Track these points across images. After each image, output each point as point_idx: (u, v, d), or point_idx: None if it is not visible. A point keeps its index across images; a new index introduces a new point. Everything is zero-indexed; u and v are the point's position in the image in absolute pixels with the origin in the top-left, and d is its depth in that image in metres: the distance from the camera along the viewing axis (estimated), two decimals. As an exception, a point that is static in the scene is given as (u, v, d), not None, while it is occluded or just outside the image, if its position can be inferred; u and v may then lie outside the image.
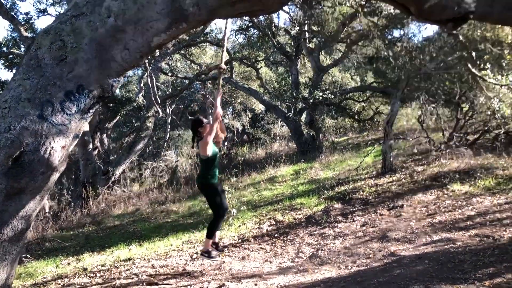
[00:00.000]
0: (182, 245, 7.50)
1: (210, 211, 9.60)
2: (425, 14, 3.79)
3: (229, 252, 6.74)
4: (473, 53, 8.09)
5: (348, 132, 26.09)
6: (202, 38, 19.01)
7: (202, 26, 14.63)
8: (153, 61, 15.16)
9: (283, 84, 21.00)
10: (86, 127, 13.43)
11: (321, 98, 16.13)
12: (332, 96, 16.82)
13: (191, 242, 7.57)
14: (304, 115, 20.04)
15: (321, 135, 17.95)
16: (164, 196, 12.87)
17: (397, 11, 12.78)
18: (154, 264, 6.54)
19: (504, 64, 9.34)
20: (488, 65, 8.75)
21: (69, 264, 7.27)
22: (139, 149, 14.92)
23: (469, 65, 7.96)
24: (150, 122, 14.92)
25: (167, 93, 22.79)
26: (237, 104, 27.31)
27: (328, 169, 13.10)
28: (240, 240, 7.22)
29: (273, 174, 14.44)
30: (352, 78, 22.86)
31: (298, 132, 17.52)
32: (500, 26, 7.82)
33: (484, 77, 8.29)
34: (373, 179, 9.66)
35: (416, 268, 4.56)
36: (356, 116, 22.89)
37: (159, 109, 11.71)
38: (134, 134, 16.70)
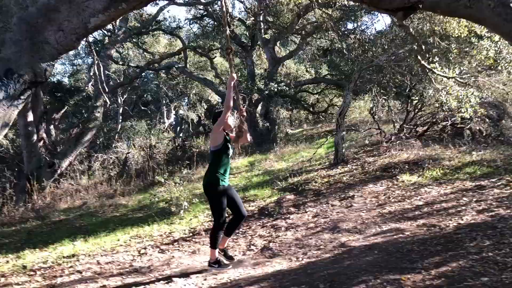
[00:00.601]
0: (130, 240, 7.22)
1: (161, 204, 9.42)
2: (375, 2, 3.73)
3: (179, 246, 6.54)
4: (423, 46, 8.24)
5: (303, 124, 26.30)
6: (154, 26, 18.48)
7: (144, 7, 14.11)
8: (102, 48, 14.55)
9: (239, 75, 20.84)
10: (29, 117, 12.80)
11: (276, 89, 16.11)
12: (287, 88, 16.83)
13: (140, 236, 7.30)
14: (259, 107, 20.00)
15: (276, 126, 17.97)
16: (114, 189, 12.43)
17: (351, 2, 12.92)
18: (100, 261, 6.23)
19: (451, 58, 9.61)
20: (436, 58, 8.97)
21: (7, 262, 6.82)
22: (87, 140, 14.34)
23: (419, 58, 8.10)
24: (99, 112, 14.37)
25: (119, 82, 21.95)
26: (192, 95, 26.89)
27: (283, 160, 13.10)
28: (191, 234, 7.03)
29: (227, 165, 14.27)
30: (307, 70, 23.01)
31: (254, 124, 17.44)
32: (447, 20, 7.98)
33: (433, 69, 8.47)
34: (326, 170, 9.72)
35: (366, 259, 4.55)
36: (310, 108, 23.14)
37: (107, 99, 11.25)
38: (82, 125, 16.05)
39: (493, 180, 6.89)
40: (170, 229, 7.48)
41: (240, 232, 6.70)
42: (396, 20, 4.74)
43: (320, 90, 22.38)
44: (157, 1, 17.55)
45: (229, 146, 4.83)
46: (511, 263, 3.82)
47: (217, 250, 5.01)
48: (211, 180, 4.86)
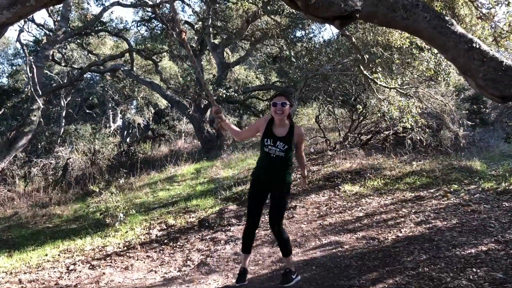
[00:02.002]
0: (59, 255, 6.71)
1: (96, 215, 8.91)
2: (312, 10, 3.59)
3: (111, 262, 6.12)
4: (366, 56, 8.29)
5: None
6: (99, 27, 17.74)
7: (55, 5, 13.58)
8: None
9: (188, 79, 20.44)
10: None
11: (225, 95, 15.85)
12: (236, 94, 16.63)
13: (70, 251, 6.81)
14: (208, 113, 19.66)
15: (224, 133, 17.71)
16: (49, 198, 11.70)
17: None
18: (22, 279, 5.72)
19: (393, 68, 9.77)
20: (379, 69, 9.07)
21: None
22: (22, 145, 13.39)
23: (362, 68, 8.13)
24: (35, 115, 13.48)
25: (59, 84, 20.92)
26: (140, 99, 26.15)
27: (229, 167, 12.86)
28: (125, 248, 6.61)
29: (173, 173, 13.88)
30: (256, 77, 22.93)
31: (201, 130, 17.10)
32: (390, 30, 8.07)
33: (375, 80, 8.54)
34: (271, 179, 9.56)
35: (303, 275, 4.39)
36: (260, 114, 23.03)
37: (40, 102, 10.54)
38: (16, 129, 15.03)
39: (432, 190, 6.98)
40: (104, 242, 7.03)
41: (178, 246, 6.39)
42: (340, 30, 4.65)
43: (269, 96, 22.35)
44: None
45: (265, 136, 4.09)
46: (445, 279, 3.78)
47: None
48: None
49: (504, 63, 3.78)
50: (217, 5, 16.76)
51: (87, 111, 31.11)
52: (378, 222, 5.79)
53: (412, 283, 3.79)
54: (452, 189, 6.88)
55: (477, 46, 3.79)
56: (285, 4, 13.19)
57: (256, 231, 6.28)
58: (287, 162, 4.01)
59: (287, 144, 3.94)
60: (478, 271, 3.85)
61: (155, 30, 20.44)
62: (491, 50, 3.90)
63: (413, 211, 6.07)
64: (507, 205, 5.85)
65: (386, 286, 3.84)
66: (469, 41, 3.81)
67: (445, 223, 5.42)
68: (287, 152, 3.95)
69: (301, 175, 4.69)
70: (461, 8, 7.18)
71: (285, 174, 4.02)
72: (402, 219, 5.76)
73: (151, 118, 29.15)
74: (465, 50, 3.80)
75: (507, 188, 6.58)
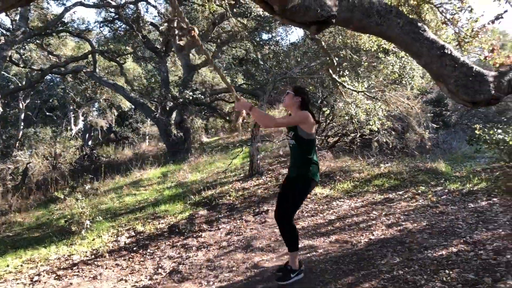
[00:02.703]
0: (21, 265, 6.39)
1: (61, 222, 8.58)
2: (289, 14, 3.56)
3: (78, 271, 5.89)
4: (334, 60, 8.37)
5: (219, 132, 26.09)
6: (60, 27, 17.17)
7: (24, 6, 13.06)
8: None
9: (153, 81, 20.10)
10: None
11: (191, 97, 15.68)
12: (203, 96, 16.48)
13: (34, 261, 6.50)
14: (174, 115, 19.41)
15: (191, 135, 17.52)
16: (9, 205, 11.19)
17: (266, 13, 12.95)
18: (-18, 293, 5.43)
19: (360, 72, 9.93)
20: (347, 72, 9.19)
21: None
22: (-22, 150, 12.80)
23: (330, 71, 8.20)
24: (-8, 119, 12.92)
25: (17, 86, 20.15)
26: (102, 101, 25.53)
27: (197, 171, 12.70)
28: (93, 257, 6.38)
29: (139, 177, 13.59)
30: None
31: (167, 132, 16.84)
32: (358, 34, 8.18)
33: (343, 83, 8.63)
34: (241, 182, 9.50)
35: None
36: (227, 116, 22.96)
37: (-1, 105, 10.06)
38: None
39: (400, 192, 7.11)
40: (70, 251, 6.76)
41: (148, 253, 6.22)
42: (309, 33, 4.64)
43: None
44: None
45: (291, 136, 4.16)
46: (419, 281, 3.83)
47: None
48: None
49: (474, 69, 3.88)
50: (183, 7, 16.56)
51: (47, 113, 30.11)
52: (350, 225, 5.83)
53: (388, 287, 3.82)
54: (419, 191, 7.04)
55: (449, 52, 3.87)
56: (252, 7, 13.23)
57: (228, 236, 6.23)
58: (299, 152, 4.08)
59: (294, 131, 4.04)
60: (451, 272, 3.92)
61: (119, 31, 20.00)
62: (462, 56, 4.00)
63: (383, 213, 6.15)
64: (472, 206, 6.02)
65: (363, 290, 3.85)
66: (441, 47, 3.88)
67: (415, 225, 5.51)
68: (296, 140, 4.05)
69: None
70: (426, 13, 7.37)
71: (299, 166, 4.09)
72: (374, 222, 5.83)
73: (114, 121, 28.54)
74: (437, 56, 3.88)
75: (471, 189, 6.79)
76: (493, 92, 3.81)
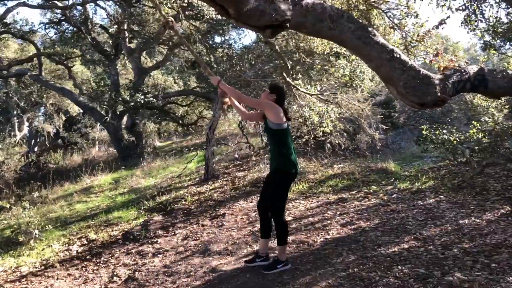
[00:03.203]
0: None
1: (6, 233, 8.15)
2: (244, 18, 3.58)
3: (27, 283, 5.62)
4: (288, 63, 8.48)
5: (172, 136, 25.77)
6: (2, 29, 16.37)
7: None
8: None
9: (102, 85, 19.52)
10: None
11: (142, 101, 15.39)
12: (155, 100, 16.22)
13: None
14: (125, 119, 18.95)
15: (143, 140, 17.19)
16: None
17: (219, 16, 12.94)
18: None
19: (312, 75, 10.11)
20: (300, 75, 9.34)
21: None
22: None
23: (284, 74, 8.31)
24: None
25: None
26: (49, 105, 24.51)
27: (150, 176, 12.48)
28: (43, 267, 6.11)
29: (89, 183, 13.17)
30: (175, 82, 22.59)
31: (118, 137, 16.43)
32: (311, 37, 8.34)
33: (296, 86, 8.77)
34: (196, 186, 9.43)
35: (237, 283, 4.35)
36: (180, 120, 22.71)
37: None
38: None
39: (353, 192, 7.30)
40: (17, 262, 6.44)
41: (101, 262, 6.03)
42: (263, 37, 4.68)
43: (189, 102, 22.14)
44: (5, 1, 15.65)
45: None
46: (374, 278, 3.94)
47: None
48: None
49: (421, 72, 4.05)
50: (133, 9, 16.24)
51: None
52: (306, 226, 5.92)
53: (344, 284, 3.91)
54: (371, 190, 7.26)
55: (398, 56, 4.03)
56: (204, 10, 13.18)
57: (185, 241, 6.16)
58: (273, 144, 4.29)
59: (265, 124, 4.26)
60: (403, 268, 4.07)
61: (66, 33, 19.30)
62: (410, 59, 4.18)
63: (338, 213, 6.29)
64: (421, 203, 6.28)
65: (320, 288, 3.92)
66: (391, 51, 4.03)
67: (368, 223, 5.68)
68: (267, 131, 4.27)
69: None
70: (375, 18, 7.65)
71: (273, 158, 4.34)
72: (329, 221, 5.95)
73: (61, 126, 27.46)
74: (387, 59, 4.02)
75: (420, 187, 7.08)
76: (439, 94, 3.99)
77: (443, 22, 7.25)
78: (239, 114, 4.65)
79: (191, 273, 5.01)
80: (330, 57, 9.65)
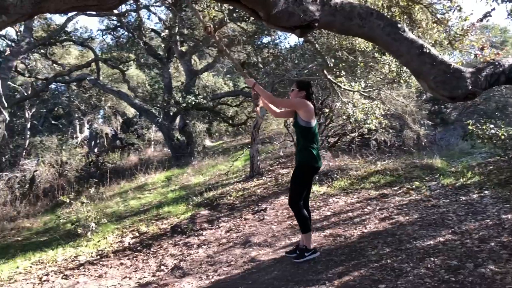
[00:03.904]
0: (30, 267, 6.66)
1: (67, 226, 8.86)
2: (274, 20, 3.79)
3: (84, 271, 6.14)
4: (329, 61, 8.57)
5: (223, 136, 26.33)
6: (64, 37, 17.56)
7: (28, 20, 13.31)
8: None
9: (156, 87, 20.38)
10: None
11: (193, 102, 15.95)
12: (205, 101, 16.75)
13: (42, 262, 6.77)
14: (178, 120, 19.69)
15: (193, 140, 17.78)
16: (17, 211, 11.49)
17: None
18: (-7, 292, 5.69)
19: (357, 72, 10.11)
20: (343, 73, 9.37)
21: None
22: (-13, 159, 13.13)
23: (325, 72, 8.41)
24: (0, 128, 13.26)
25: (23, 95, 20.53)
26: (107, 108, 25.88)
27: (200, 174, 12.96)
28: (98, 257, 6.64)
29: (143, 181, 13.86)
30: (225, 83, 23.11)
31: (171, 137, 17.12)
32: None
33: (338, 84, 8.83)
34: (242, 183, 9.74)
35: (274, 273, 4.56)
36: (230, 120, 23.20)
37: (5, 114, 10.35)
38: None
39: (395, 188, 7.30)
40: (76, 252, 7.03)
41: (151, 252, 6.46)
42: (303, 37, 4.85)
43: (239, 102, 22.58)
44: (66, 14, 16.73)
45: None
46: (405, 269, 4.03)
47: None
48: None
49: (452, 66, 4.08)
50: (183, 13, 16.85)
51: (53, 122, 30.48)
52: (344, 220, 6.03)
53: (375, 274, 4.03)
54: (414, 186, 7.22)
55: (427, 51, 4.08)
56: (250, 12, 13.48)
57: (228, 233, 6.44)
58: (300, 138, 4.45)
59: (295, 118, 4.41)
60: (436, 260, 4.12)
61: (121, 39, 20.34)
62: (440, 54, 4.21)
63: (377, 208, 6.35)
64: (464, 199, 6.20)
65: (352, 278, 4.05)
66: (420, 47, 4.10)
67: (407, 218, 5.71)
68: (295, 127, 4.43)
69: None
70: (417, 13, 7.58)
71: (298, 152, 4.49)
72: (367, 216, 6.03)
73: (119, 127, 28.85)
74: (417, 54, 4.09)
75: (464, 183, 6.97)
76: (470, 87, 4.01)
77: (488, 14, 7.08)
78: (270, 113, 4.85)
79: (232, 263, 5.29)
80: (375, 53, 9.62)
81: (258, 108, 4.91)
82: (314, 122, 4.43)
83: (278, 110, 4.84)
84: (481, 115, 14.31)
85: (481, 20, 7.27)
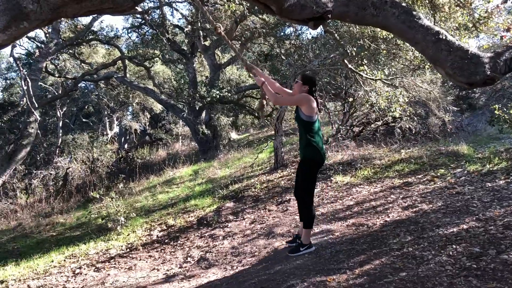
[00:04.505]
0: (64, 260, 6.97)
1: (98, 220, 9.17)
2: (286, 13, 3.83)
3: (115, 263, 6.38)
4: (349, 49, 8.50)
5: (249, 129, 26.46)
6: (90, 36, 17.97)
7: (48, 25, 13.63)
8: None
9: (182, 82, 20.63)
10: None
11: (218, 96, 16.10)
12: (229, 94, 16.87)
13: (75, 256, 7.06)
14: (203, 114, 19.91)
15: (219, 133, 17.96)
16: (51, 207, 11.94)
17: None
18: (31, 285, 5.98)
19: (380, 60, 9.99)
20: (365, 61, 9.29)
21: None
22: (21, 157, 13.62)
23: (346, 61, 8.36)
24: (33, 128, 13.69)
25: (54, 95, 21.16)
26: (135, 104, 26.37)
27: (226, 167, 13.11)
28: (128, 250, 6.88)
29: (171, 175, 14.13)
30: (249, 76, 23.15)
31: (197, 131, 17.34)
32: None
33: (359, 72, 8.76)
34: (266, 175, 9.82)
35: (296, 263, 4.64)
36: (255, 113, 23.28)
37: (37, 115, 10.74)
38: (14, 142, 15.22)
39: (419, 176, 7.24)
40: (107, 246, 7.29)
41: (178, 244, 6.64)
42: (316, 28, 4.86)
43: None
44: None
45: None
46: (427, 257, 4.03)
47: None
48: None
49: (469, 52, 4.03)
50: (206, 8, 16.96)
51: (84, 120, 31.33)
52: (367, 209, 6.04)
53: (396, 263, 4.05)
54: (439, 174, 7.14)
55: (444, 38, 4.04)
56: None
57: (252, 224, 6.54)
58: (302, 134, 4.43)
59: (297, 113, 4.42)
60: (458, 247, 4.10)
61: (146, 36, 20.64)
62: (457, 40, 4.16)
63: (401, 196, 6.32)
64: (490, 185, 6.11)
65: (373, 266, 4.09)
66: (436, 33, 4.06)
67: (431, 206, 5.67)
68: (298, 121, 4.42)
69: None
70: (439, -3, 7.43)
71: (302, 147, 4.46)
72: (390, 205, 6.02)
73: (147, 123, 29.39)
74: (433, 42, 4.05)
75: (491, 169, 6.84)
76: (489, 72, 3.95)
77: (512, -5, 6.91)
78: (271, 100, 4.84)
79: (255, 253, 5.40)
80: (397, 40, 9.49)
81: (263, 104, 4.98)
82: (315, 117, 4.47)
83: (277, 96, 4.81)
84: (511, 99, 13.89)
85: (505, 1, 7.09)
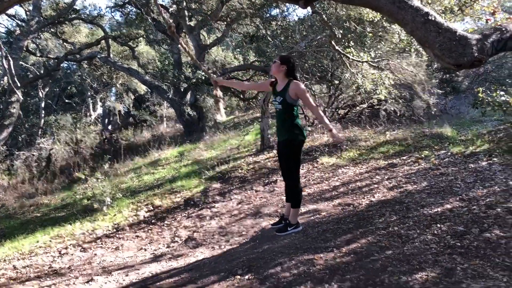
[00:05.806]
0: (50, 241, 6.92)
1: (84, 201, 9.11)
2: (276, -8, 3.79)
3: (101, 243, 6.38)
4: (337, 32, 8.49)
5: (235, 111, 26.38)
6: (73, 15, 17.57)
7: (25, 1, 13.28)
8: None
9: (166, 63, 20.38)
10: None
11: (203, 77, 15.97)
12: (214, 76, 16.74)
13: (61, 236, 7.02)
14: (189, 95, 19.75)
15: (205, 114, 17.88)
16: (35, 188, 11.81)
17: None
18: (16, 265, 5.95)
19: (366, 42, 10.00)
20: (352, 43, 9.29)
21: None
22: (3, 138, 13.41)
23: (333, 43, 8.35)
24: (15, 108, 13.46)
25: (36, 75, 20.72)
26: (119, 85, 26.00)
27: (212, 149, 13.09)
28: (114, 230, 6.86)
29: (157, 157, 14.05)
30: (234, 57, 22.99)
31: (182, 113, 17.22)
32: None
33: (346, 54, 8.77)
34: (253, 156, 9.84)
35: (284, 241, 4.71)
36: (241, 95, 23.18)
37: (19, 95, 10.51)
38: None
39: (404, 158, 7.35)
40: (93, 226, 7.26)
41: (165, 225, 6.66)
42: (306, 7, 4.83)
43: (249, 76, 22.49)
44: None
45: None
46: (412, 235, 4.12)
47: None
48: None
49: (457, 33, 4.06)
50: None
51: (66, 101, 30.77)
52: (353, 190, 6.13)
53: (382, 241, 4.13)
54: (423, 155, 7.26)
55: (433, 19, 4.06)
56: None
57: (239, 205, 6.57)
58: (286, 116, 4.32)
59: (282, 96, 4.28)
60: (442, 226, 4.20)
61: (130, 16, 20.26)
62: (446, 21, 4.18)
63: (386, 177, 6.42)
64: (472, 166, 6.23)
65: (359, 245, 4.17)
66: (425, 14, 4.07)
67: (415, 186, 5.78)
68: (283, 104, 4.29)
69: (326, 130, 4.77)
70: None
71: (287, 129, 4.35)
72: (376, 186, 6.11)
73: (131, 105, 29.04)
74: (422, 22, 4.07)
75: (473, 151, 6.98)
76: (476, 54, 3.99)
77: (499, -21, 6.95)
78: (237, 87, 4.90)
79: (243, 233, 5.46)
80: (384, 23, 9.50)
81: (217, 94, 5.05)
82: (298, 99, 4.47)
83: (245, 84, 4.93)
84: (493, 82, 14.08)
85: (491, -15, 7.13)
